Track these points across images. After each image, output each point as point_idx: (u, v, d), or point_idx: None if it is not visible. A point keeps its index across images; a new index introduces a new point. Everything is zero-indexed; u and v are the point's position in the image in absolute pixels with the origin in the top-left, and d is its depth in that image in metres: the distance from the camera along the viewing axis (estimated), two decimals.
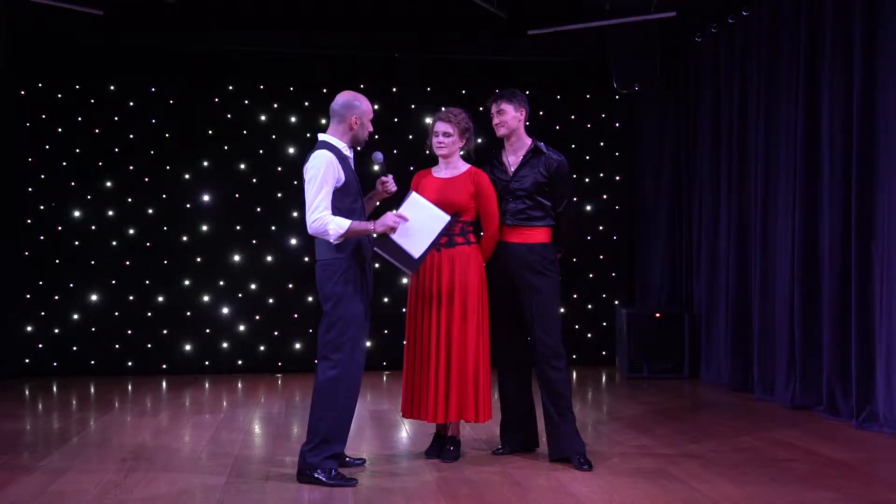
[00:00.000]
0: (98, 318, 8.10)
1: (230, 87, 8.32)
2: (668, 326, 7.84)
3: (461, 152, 4.88)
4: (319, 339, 4.39)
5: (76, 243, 8.08)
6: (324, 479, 4.29)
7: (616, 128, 8.95)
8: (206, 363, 8.23)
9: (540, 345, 4.73)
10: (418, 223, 4.46)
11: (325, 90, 7.92)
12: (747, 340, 7.00)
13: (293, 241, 8.34)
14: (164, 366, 8.18)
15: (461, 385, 4.65)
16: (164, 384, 7.69)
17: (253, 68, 8.32)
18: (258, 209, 8.33)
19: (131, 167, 8.17)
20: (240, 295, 8.28)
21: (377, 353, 8.24)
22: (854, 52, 5.66)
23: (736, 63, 7.16)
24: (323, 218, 4.24)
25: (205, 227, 8.26)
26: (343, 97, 4.48)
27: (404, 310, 4.94)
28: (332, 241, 4.28)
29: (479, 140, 5.39)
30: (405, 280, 8.06)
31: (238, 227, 8.30)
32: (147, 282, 8.16)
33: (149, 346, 8.16)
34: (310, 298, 8.19)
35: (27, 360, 7.99)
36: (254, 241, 8.32)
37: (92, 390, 7.36)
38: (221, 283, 8.26)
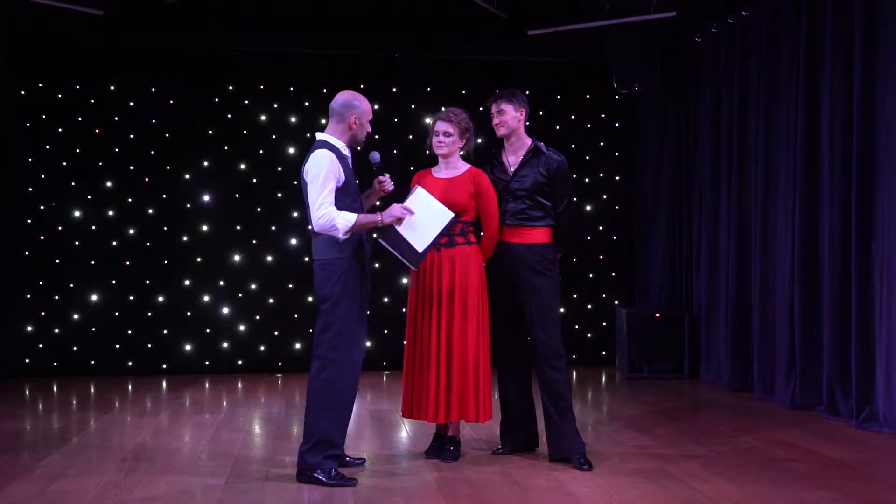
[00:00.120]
0: (98, 318, 8.10)
1: (230, 87, 8.32)
2: (668, 326, 7.84)
3: (461, 152, 4.88)
4: (315, 339, 4.38)
5: (76, 243, 8.08)
6: (324, 479, 4.29)
7: (616, 128, 8.95)
8: (207, 363, 8.23)
9: (540, 345, 4.73)
10: (423, 217, 4.47)
11: (325, 90, 7.91)
12: (747, 340, 7.00)
13: (293, 241, 8.34)
14: (165, 366, 8.18)
15: (461, 385, 4.65)
16: (164, 384, 7.69)
17: (253, 68, 8.32)
18: (258, 209, 8.33)
19: (131, 167, 8.17)
20: (240, 295, 8.28)
21: (377, 353, 8.24)
22: (854, 52, 5.65)
23: (736, 63, 7.16)
24: (329, 214, 4.23)
25: (205, 227, 8.26)
26: (343, 96, 4.48)
27: (404, 310, 4.94)
28: (340, 235, 4.26)
29: (479, 140, 5.39)
30: (405, 280, 8.06)
31: (238, 227, 8.30)
32: (147, 282, 8.16)
33: (149, 346, 8.16)
34: (309, 298, 8.18)
35: (27, 360, 7.99)
36: (254, 241, 8.32)
37: (92, 390, 7.36)
38: (221, 283, 8.26)
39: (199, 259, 8.24)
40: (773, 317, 6.60)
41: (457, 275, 4.68)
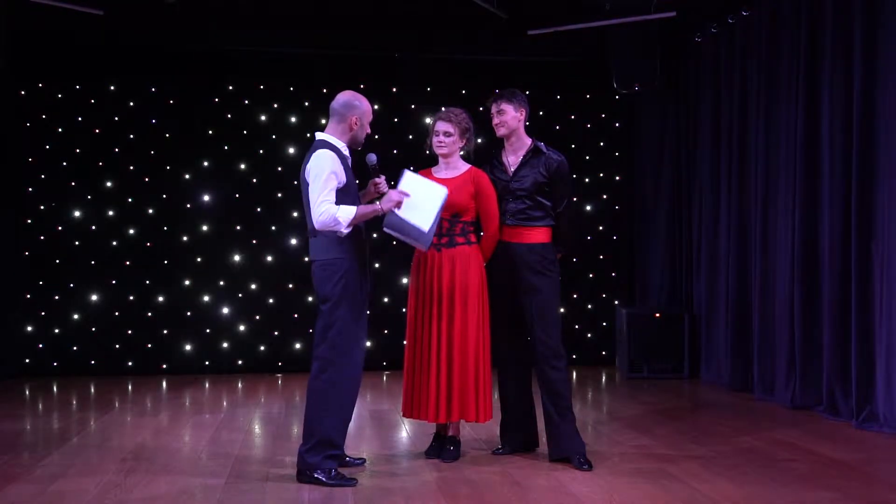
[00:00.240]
0: (98, 318, 8.10)
1: (230, 87, 8.32)
2: (668, 326, 7.84)
3: (461, 152, 4.89)
4: (316, 339, 4.37)
5: (76, 243, 8.08)
6: (324, 479, 4.29)
7: (616, 128, 8.95)
8: (206, 363, 8.23)
9: (540, 345, 4.73)
10: (420, 197, 4.47)
11: (325, 90, 7.92)
12: (747, 340, 7.00)
13: (293, 241, 8.34)
14: (165, 366, 8.18)
15: (462, 385, 4.65)
16: (164, 384, 7.69)
17: (253, 68, 8.32)
18: (258, 209, 8.33)
19: (131, 167, 8.17)
20: (240, 295, 8.28)
21: (377, 353, 8.24)
22: (854, 52, 5.65)
23: (736, 63, 7.16)
24: (329, 209, 4.22)
25: (205, 227, 8.26)
26: (344, 97, 4.47)
27: (404, 310, 4.94)
28: (343, 229, 4.25)
29: (479, 140, 5.39)
30: (405, 280, 8.06)
31: (238, 227, 8.30)
32: (147, 282, 8.16)
33: (149, 346, 8.16)
34: (310, 298, 8.18)
35: (27, 360, 7.99)
36: (254, 241, 8.32)
37: (92, 390, 7.36)
38: (221, 283, 8.26)
39: (199, 259, 8.24)
40: (773, 317, 6.60)
41: (457, 275, 4.68)
